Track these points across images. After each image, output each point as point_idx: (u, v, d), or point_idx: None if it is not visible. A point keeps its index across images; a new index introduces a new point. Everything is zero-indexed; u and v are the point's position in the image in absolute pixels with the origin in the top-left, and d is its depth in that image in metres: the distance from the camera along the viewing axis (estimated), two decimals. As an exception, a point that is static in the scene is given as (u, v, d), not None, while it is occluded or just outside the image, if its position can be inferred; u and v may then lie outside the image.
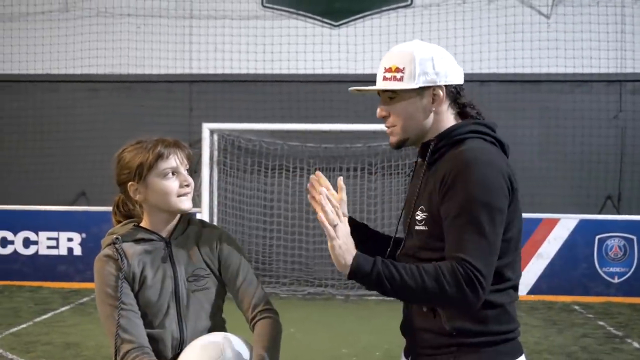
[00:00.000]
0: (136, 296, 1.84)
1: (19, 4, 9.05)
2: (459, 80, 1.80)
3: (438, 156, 1.77)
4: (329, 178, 1.70)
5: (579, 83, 8.63)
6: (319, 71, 8.82)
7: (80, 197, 8.87)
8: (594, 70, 8.58)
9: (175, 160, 1.87)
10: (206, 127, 8.20)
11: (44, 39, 9.00)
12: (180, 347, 1.85)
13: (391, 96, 1.80)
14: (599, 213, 8.39)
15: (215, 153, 8.45)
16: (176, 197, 1.86)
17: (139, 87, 8.98)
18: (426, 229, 1.74)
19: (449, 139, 1.76)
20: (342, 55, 8.83)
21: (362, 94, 1.92)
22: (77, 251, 8.07)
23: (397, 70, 1.77)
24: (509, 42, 8.60)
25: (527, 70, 8.61)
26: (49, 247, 8.16)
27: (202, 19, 8.97)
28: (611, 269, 7.77)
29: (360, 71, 8.72)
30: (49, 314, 6.70)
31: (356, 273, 1.60)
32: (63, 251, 8.13)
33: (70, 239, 8.13)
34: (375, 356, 5.33)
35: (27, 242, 8.18)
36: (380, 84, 1.81)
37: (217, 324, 1.94)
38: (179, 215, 1.94)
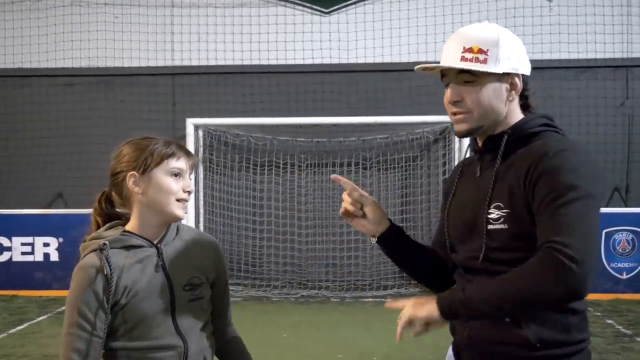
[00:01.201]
0: (125, 309, 1.82)
1: (-13, -6, 9.00)
2: (529, 71, 1.83)
3: (511, 149, 1.75)
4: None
5: (584, 69, 8.66)
6: (309, 61, 8.81)
7: (57, 199, 8.83)
8: (599, 56, 8.61)
9: (185, 164, 1.89)
10: (190, 122, 8.18)
11: (15, 30, 8.94)
12: (185, 358, 1.86)
13: (469, 79, 1.74)
14: (606, 206, 8.42)
15: (201, 150, 8.43)
16: (174, 200, 1.86)
17: (119, 80, 8.93)
18: (506, 227, 1.67)
19: (522, 132, 1.75)
20: (333, 44, 8.82)
21: (426, 74, 1.85)
22: (54, 257, 8.01)
23: (480, 51, 1.72)
24: (510, 26, 8.60)
25: (529, 57, 8.56)
26: (23, 253, 8.08)
27: (185, 7, 8.94)
28: (619, 265, 7.82)
29: (352, 60, 8.72)
30: (25, 325, 6.65)
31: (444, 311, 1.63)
32: (39, 257, 8.05)
33: (46, 244, 8.05)
34: (373, 362, 5.35)
35: (0, 248, 8.11)
36: (460, 64, 1.73)
37: (211, 332, 1.99)
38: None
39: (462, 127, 1.78)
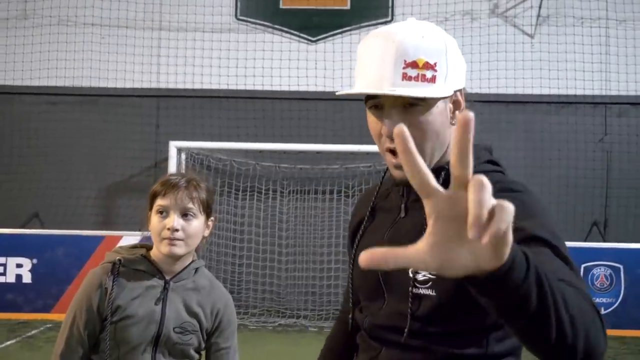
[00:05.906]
0: (112, 327, 1.84)
1: (-27, 11, 8.94)
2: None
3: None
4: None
5: (564, 104, 8.79)
6: (294, 88, 8.84)
7: (33, 219, 8.68)
8: (579, 92, 8.74)
9: (170, 200, 1.86)
10: (173, 145, 8.12)
11: None
12: None
13: (413, 103, 1.29)
14: (585, 240, 8.49)
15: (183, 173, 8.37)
16: (160, 239, 1.86)
17: (102, 101, 8.87)
18: (433, 294, 1.26)
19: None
20: (319, 72, 8.86)
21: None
22: (27, 278, 7.67)
23: (427, 66, 1.26)
24: (493, 61, 8.74)
25: (511, 91, 8.75)
26: (-5, 274, 7.84)
27: (172, 31, 8.95)
28: (597, 300, 7.83)
29: (338, 88, 8.76)
30: (-6, 348, 6.46)
31: (509, 273, 0.87)
32: (11, 278, 7.71)
33: (19, 265, 7.72)
34: (350, 392, 5.25)
35: (-30, 268, 7.86)
36: (403, 86, 1.26)
37: None
38: (185, 259, 1.93)
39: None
